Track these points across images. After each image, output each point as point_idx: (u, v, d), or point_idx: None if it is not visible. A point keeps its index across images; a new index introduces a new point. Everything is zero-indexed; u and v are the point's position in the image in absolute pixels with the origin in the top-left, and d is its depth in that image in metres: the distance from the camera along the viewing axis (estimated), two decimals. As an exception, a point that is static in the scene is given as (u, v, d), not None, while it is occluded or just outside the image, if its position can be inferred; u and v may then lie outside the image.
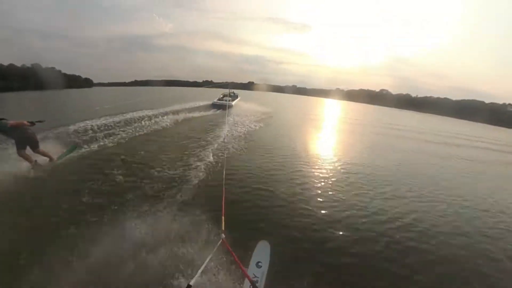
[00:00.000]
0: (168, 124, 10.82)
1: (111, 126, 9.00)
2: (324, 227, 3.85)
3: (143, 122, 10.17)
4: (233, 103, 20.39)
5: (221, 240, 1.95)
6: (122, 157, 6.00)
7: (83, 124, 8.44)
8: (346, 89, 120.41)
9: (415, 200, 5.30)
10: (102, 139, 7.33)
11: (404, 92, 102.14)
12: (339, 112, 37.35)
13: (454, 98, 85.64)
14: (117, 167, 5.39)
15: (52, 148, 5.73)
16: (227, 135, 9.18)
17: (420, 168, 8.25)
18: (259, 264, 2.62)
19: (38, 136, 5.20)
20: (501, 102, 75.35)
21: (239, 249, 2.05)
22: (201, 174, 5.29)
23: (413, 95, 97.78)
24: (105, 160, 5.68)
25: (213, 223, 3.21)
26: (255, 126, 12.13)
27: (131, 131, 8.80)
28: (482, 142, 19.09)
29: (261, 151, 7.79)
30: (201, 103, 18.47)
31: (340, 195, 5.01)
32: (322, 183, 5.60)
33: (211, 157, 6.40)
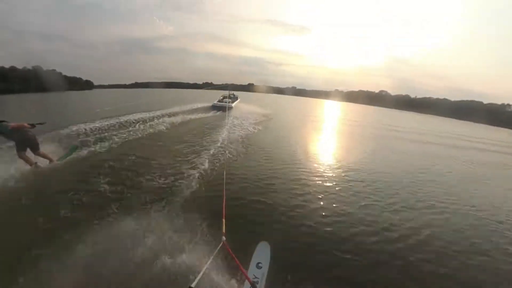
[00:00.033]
0: (167, 126, 10.84)
1: (111, 128, 9.05)
2: (327, 235, 3.83)
3: (143, 125, 10.20)
4: (233, 104, 20.44)
5: (222, 243, 1.97)
6: (122, 158, 6.04)
7: (83, 126, 8.48)
8: (345, 90, 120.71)
9: (426, 211, 4.91)
10: (103, 141, 7.35)
11: (403, 93, 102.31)
12: (339, 113, 37.35)
13: (453, 99, 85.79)
14: (118, 168, 5.43)
15: (52, 150, 5.76)
16: (227, 137, 9.21)
17: (427, 173, 7.82)
18: (259, 265, 2.64)
19: (39, 138, 5.24)
20: (499, 103, 75.39)
21: (239, 251, 2.06)
22: (201, 177, 5.31)
23: (412, 96, 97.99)
24: (105, 162, 5.69)
25: (214, 226, 3.22)
26: (255, 128, 12.15)
27: (131, 133, 8.82)
28: (485, 144, 18.92)
29: (261, 154, 7.80)
30: (201, 105, 18.52)
31: (346, 207, 4.60)
32: (324, 189, 5.42)
33: (211, 160, 6.42)
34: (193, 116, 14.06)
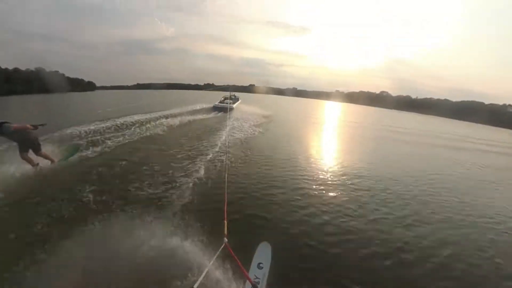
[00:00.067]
0: (170, 127, 10.91)
1: (113, 129, 9.11)
2: (330, 237, 3.83)
3: (145, 126, 10.26)
4: (234, 105, 20.51)
5: (223, 244, 1.97)
6: (123, 159, 6.06)
7: (84, 127, 8.54)
8: (346, 91, 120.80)
9: (442, 226, 4.47)
10: (104, 142, 7.39)
11: (404, 94, 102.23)
12: (340, 114, 37.23)
13: (454, 100, 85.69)
14: (120, 169, 5.45)
15: (53, 151, 5.80)
16: (227, 139, 9.24)
17: (436, 179, 7.33)
18: (260, 265, 2.65)
19: (40, 139, 5.28)
20: (501, 103, 75.04)
21: (241, 253, 2.06)
22: (202, 179, 5.31)
23: (413, 96, 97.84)
24: (107, 163, 5.73)
25: (216, 228, 3.24)
26: (256, 130, 12.16)
27: (133, 134, 8.87)
28: (489, 145, 18.64)
29: (262, 156, 7.79)
30: (203, 106, 18.62)
31: (354, 222, 4.15)
32: (327, 194, 5.24)
33: (212, 163, 6.43)
34: (194, 117, 14.12)
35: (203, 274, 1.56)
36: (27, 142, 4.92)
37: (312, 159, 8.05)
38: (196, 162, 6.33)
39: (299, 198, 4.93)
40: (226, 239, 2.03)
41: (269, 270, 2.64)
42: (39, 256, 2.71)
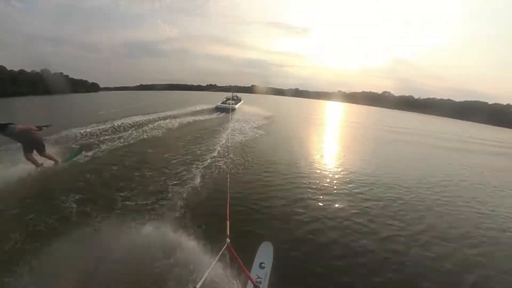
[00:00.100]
0: (171, 127, 11.00)
1: (116, 129, 9.20)
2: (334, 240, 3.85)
3: (145, 127, 10.33)
4: (236, 106, 20.55)
5: (226, 245, 1.99)
6: (126, 160, 6.12)
7: (88, 128, 8.64)
8: (348, 91, 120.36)
9: (463, 244, 3.97)
10: (107, 142, 7.47)
11: (406, 94, 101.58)
12: (343, 115, 37.09)
13: (456, 100, 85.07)
14: (122, 169, 5.51)
15: (57, 151, 5.87)
16: (230, 139, 9.27)
17: (450, 186, 6.77)
18: (262, 265, 2.66)
19: (44, 140, 5.35)
20: (504, 103, 74.15)
21: (243, 253, 2.06)
22: (205, 180, 5.33)
23: (416, 96, 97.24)
24: (109, 163, 5.78)
25: (218, 228, 3.26)
26: (258, 132, 12.15)
27: (136, 133, 8.97)
28: (499, 147, 18.14)
29: (265, 156, 7.80)
30: (206, 107, 18.75)
31: (364, 241, 3.76)
32: (330, 197, 5.14)
33: (214, 164, 6.45)
34: (197, 118, 14.23)
35: (206, 274, 1.56)
36: (31, 143, 5.00)
37: (315, 160, 8.02)
38: (198, 163, 6.36)
39: (302, 199, 4.92)
40: (228, 240, 2.04)
41: (271, 269, 2.65)
42: (38, 256, 2.74)
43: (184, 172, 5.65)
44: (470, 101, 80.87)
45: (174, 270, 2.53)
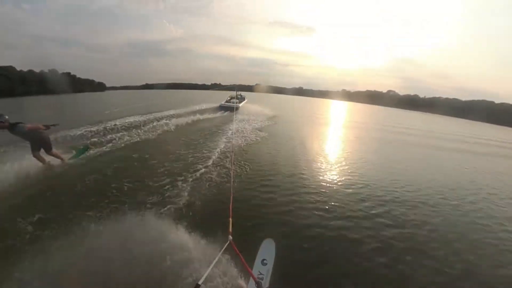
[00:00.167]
0: (176, 125, 11.07)
1: (120, 128, 9.31)
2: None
3: (151, 125, 10.42)
4: (240, 105, 20.58)
5: (228, 242, 1.99)
6: (131, 158, 6.21)
7: (93, 127, 8.76)
8: (352, 91, 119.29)
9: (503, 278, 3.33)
10: (112, 141, 7.57)
11: (411, 93, 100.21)
12: (348, 114, 36.70)
13: (460, 99, 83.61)
14: (126, 168, 5.58)
15: (64, 150, 5.99)
16: (234, 137, 9.30)
17: (470, 198, 5.90)
18: (264, 261, 2.68)
19: (51, 139, 5.46)
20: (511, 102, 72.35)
21: (246, 250, 2.08)
22: (208, 177, 5.37)
23: (421, 95, 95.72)
24: (114, 162, 5.86)
25: (221, 226, 3.28)
26: (262, 130, 12.17)
27: (141, 132, 9.06)
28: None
29: (269, 154, 7.80)
30: (210, 106, 18.84)
31: (365, 240, 3.69)
32: (334, 197, 5.02)
33: (218, 162, 6.48)
34: (201, 117, 14.30)
35: (208, 270, 1.57)
36: (39, 142, 5.10)
37: (319, 160, 7.98)
38: (202, 160, 6.40)
39: (305, 197, 4.92)
40: (230, 237, 2.04)
41: (273, 266, 2.66)
42: (40, 253, 2.78)
43: (188, 170, 5.69)
44: (477, 100, 79.48)
45: (177, 266, 2.55)
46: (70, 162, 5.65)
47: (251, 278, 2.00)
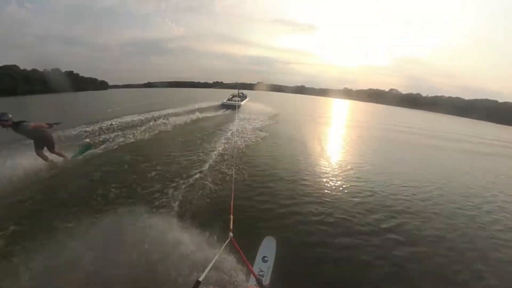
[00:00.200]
0: (178, 123, 11.13)
1: (123, 126, 9.38)
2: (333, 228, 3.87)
3: (153, 123, 10.46)
4: (242, 103, 20.57)
5: (229, 239, 2.00)
6: (133, 156, 6.23)
7: (96, 125, 8.84)
8: (354, 89, 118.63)
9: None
10: (114, 139, 7.61)
11: (413, 91, 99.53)
12: (350, 113, 36.47)
13: (463, 98, 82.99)
14: (128, 165, 5.60)
15: (66, 148, 6.04)
16: (236, 134, 9.32)
17: (495, 211, 5.31)
18: (265, 258, 2.68)
19: (54, 137, 5.51)
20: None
21: (246, 247, 2.08)
22: (209, 174, 5.39)
23: (424, 94, 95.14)
24: (116, 159, 5.91)
25: (222, 223, 3.28)
26: (263, 128, 12.18)
27: (143, 130, 9.09)
28: None
29: (270, 153, 7.79)
30: (211, 104, 18.93)
31: (366, 238, 3.66)
32: (336, 196, 5.01)
33: (219, 158, 6.51)
34: (203, 115, 14.34)
35: (209, 267, 1.57)
36: (42, 140, 5.15)
37: (321, 159, 7.95)
38: (203, 158, 6.42)
39: (306, 196, 4.92)
40: (231, 234, 2.04)
41: (274, 263, 2.67)
42: (42, 250, 2.80)
43: (189, 167, 5.72)
44: (480, 99, 78.81)
45: (177, 263, 2.56)
46: (73, 160, 5.70)
47: (251, 274, 2.00)
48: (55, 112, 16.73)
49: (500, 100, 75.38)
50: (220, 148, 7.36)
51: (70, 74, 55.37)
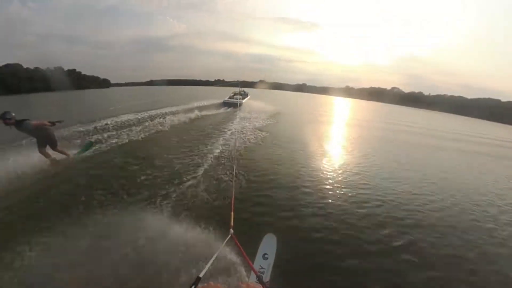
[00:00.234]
0: (180, 121, 11.17)
1: (125, 124, 9.41)
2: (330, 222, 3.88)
3: (155, 121, 10.51)
4: (243, 101, 20.55)
5: (230, 235, 1.99)
6: (135, 153, 6.27)
7: (99, 124, 8.88)
8: (356, 87, 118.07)
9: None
10: (115, 137, 7.64)
11: (415, 90, 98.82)
12: (352, 112, 36.17)
13: (465, 97, 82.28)
14: (130, 163, 5.63)
15: (69, 146, 6.10)
16: (237, 130, 9.33)
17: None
18: (266, 256, 2.70)
19: (57, 134, 5.55)
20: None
21: (247, 244, 2.07)
22: (210, 171, 5.42)
23: (426, 93, 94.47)
24: (118, 157, 5.94)
25: (222, 219, 3.30)
26: (265, 126, 12.16)
27: (145, 128, 9.14)
28: None
29: (271, 149, 7.80)
30: (213, 102, 19.00)
31: (366, 236, 3.65)
32: (338, 195, 5.00)
33: (220, 155, 6.52)
34: (205, 113, 14.37)
35: (209, 263, 1.57)
36: (45, 138, 5.19)
37: (323, 157, 7.92)
38: (204, 155, 6.45)
39: (307, 194, 4.92)
40: (232, 230, 2.03)
41: (274, 260, 2.69)
42: (40, 250, 2.81)
43: (191, 164, 5.75)
44: (483, 98, 78.14)
45: (178, 259, 2.58)
46: (75, 157, 5.74)
47: (252, 271, 2.01)
48: (58, 110, 16.83)
49: (503, 99, 74.97)
50: (222, 146, 7.38)
51: (72, 72, 55.57)
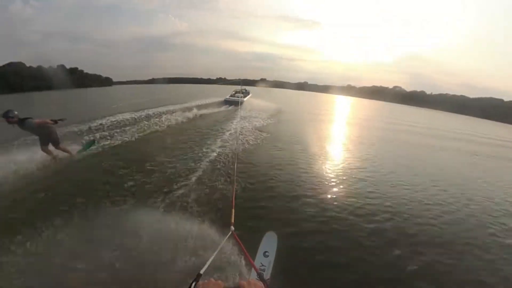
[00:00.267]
0: (182, 119, 11.22)
1: (127, 123, 9.43)
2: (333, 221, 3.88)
3: (157, 119, 10.56)
4: (245, 99, 20.55)
5: (230, 232, 1.98)
6: (137, 151, 6.32)
7: (101, 121, 8.91)
8: (358, 86, 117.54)
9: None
10: (118, 135, 7.68)
11: (417, 89, 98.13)
12: (354, 111, 35.92)
13: (467, 96, 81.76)
14: (131, 162, 5.63)
15: (71, 144, 6.12)
16: (238, 128, 9.34)
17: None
18: (266, 253, 2.70)
19: (59, 133, 5.58)
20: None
21: (248, 241, 2.05)
22: (211, 168, 5.44)
23: (428, 92, 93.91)
24: (120, 156, 5.97)
25: (223, 216, 3.31)
26: (266, 124, 12.15)
27: (146, 126, 9.18)
28: None
29: (272, 147, 7.81)
30: (214, 100, 19.04)
31: (365, 236, 3.62)
32: (338, 194, 5.00)
33: (221, 153, 6.53)
34: (206, 111, 14.45)
35: (210, 260, 1.60)
36: (48, 136, 5.22)
37: (324, 156, 7.93)
38: (205, 152, 6.48)
39: (308, 192, 4.92)
40: (233, 228, 2.02)
41: (275, 258, 2.70)
42: (42, 248, 2.82)
43: (192, 161, 5.78)
44: (485, 97, 77.59)
45: (178, 256, 2.60)
46: (78, 155, 5.77)
47: (252, 268, 2.01)
48: (60, 108, 16.88)
49: (506, 99, 74.45)
50: (223, 144, 7.40)
51: (75, 70, 55.74)
